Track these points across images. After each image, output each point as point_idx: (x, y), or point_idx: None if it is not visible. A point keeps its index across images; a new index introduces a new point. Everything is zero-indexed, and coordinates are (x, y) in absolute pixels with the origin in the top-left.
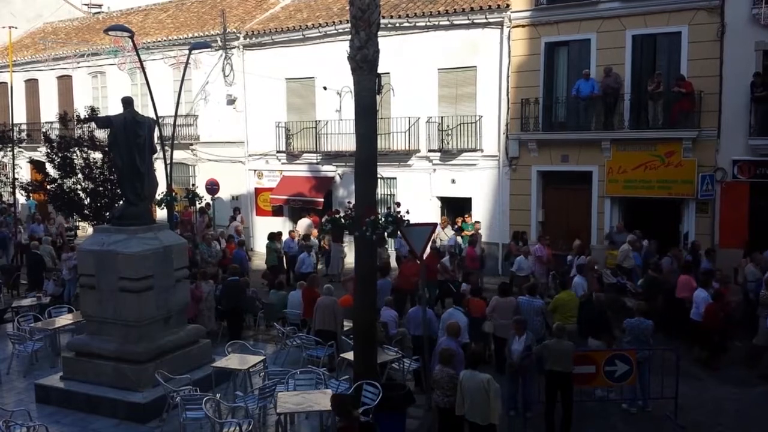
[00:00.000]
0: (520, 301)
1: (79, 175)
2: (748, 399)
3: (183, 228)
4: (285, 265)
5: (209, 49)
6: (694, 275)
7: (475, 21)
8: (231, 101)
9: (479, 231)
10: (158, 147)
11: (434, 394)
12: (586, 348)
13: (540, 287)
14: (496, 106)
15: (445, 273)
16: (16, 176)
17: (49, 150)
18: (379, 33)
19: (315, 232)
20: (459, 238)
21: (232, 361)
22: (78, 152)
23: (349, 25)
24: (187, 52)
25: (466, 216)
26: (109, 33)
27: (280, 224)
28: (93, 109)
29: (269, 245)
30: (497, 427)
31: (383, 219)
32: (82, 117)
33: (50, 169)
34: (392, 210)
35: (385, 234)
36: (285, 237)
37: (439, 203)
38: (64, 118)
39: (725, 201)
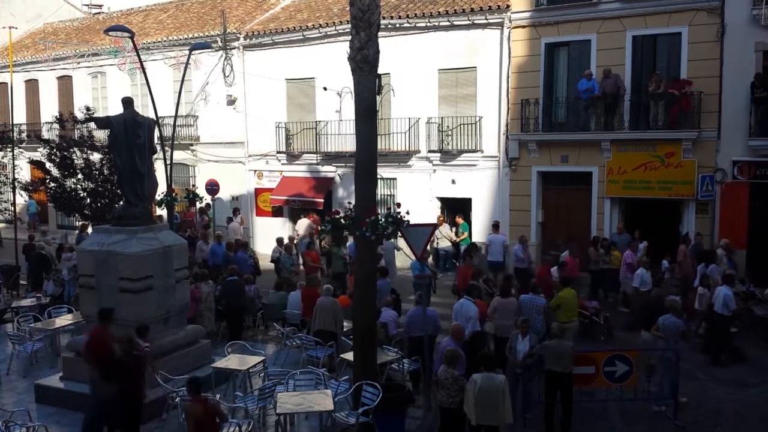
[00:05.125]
0: (523, 299)
1: (80, 176)
2: (747, 399)
3: (184, 228)
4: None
5: (209, 50)
6: None
7: (476, 22)
8: (231, 102)
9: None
10: (158, 147)
11: (438, 394)
12: (586, 349)
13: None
14: (496, 106)
15: (555, 285)
16: (16, 176)
17: (48, 150)
18: (380, 33)
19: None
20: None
21: (231, 361)
22: (78, 152)
23: (349, 25)
24: (187, 52)
25: (458, 217)
26: (110, 33)
27: (280, 225)
28: (88, 109)
29: (336, 251)
30: (503, 427)
31: (383, 219)
32: (79, 118)
33: (51, 168)
34: (392, 210)
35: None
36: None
37: (439, 204)
38: (61, 120)
39: (725, 202)
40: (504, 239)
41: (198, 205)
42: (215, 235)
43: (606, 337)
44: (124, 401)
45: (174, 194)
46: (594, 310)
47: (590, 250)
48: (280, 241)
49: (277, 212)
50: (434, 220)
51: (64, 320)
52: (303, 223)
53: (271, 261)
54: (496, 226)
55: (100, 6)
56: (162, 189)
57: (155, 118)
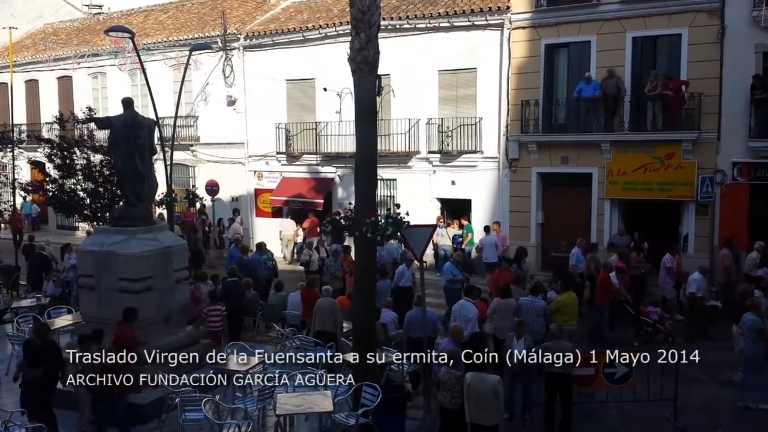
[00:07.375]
0: (522, 302)
1: (79, 176)
2: None
3: (185, 229)
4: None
5: (209, 50)
6: None
7: (476, 23)
8: (231, 102)
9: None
10: (158, 148)
11: (440, 395)
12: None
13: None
14: (496, 107)
15: (616, 292)
16: (16, 177)
17: (49, 150)
18: (380, 34)
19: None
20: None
21: (231, 362)
22: (78, 152)
23: (349, 26)
24: (187, 53)
25: (463, 219)
26: (110, 34)
27: (279, 226)
28: (90, 109)
29: None
30: (498, 427)
31: (383, 220)
32: (80, 118)
33: (50, 169)
34: (392, 211)
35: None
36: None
37: (438, 205)
38: (62, 120)
39: (725, 203)
40: (495, 240)
41: (197, 205)
42: (234, 239)
43: (670, 345)
44: (45, 384)
45: (174, 195)
46: (657, 317)
47: (632, 255)
48: (310, 244)
49: (276, 213)
50: (433, 221)
51: (63, 321)
52: (287, 224)
53: (301, 264)
54: (487, 229)
55: (101, 6)
56: (162, 189)
57: (155, 119)
